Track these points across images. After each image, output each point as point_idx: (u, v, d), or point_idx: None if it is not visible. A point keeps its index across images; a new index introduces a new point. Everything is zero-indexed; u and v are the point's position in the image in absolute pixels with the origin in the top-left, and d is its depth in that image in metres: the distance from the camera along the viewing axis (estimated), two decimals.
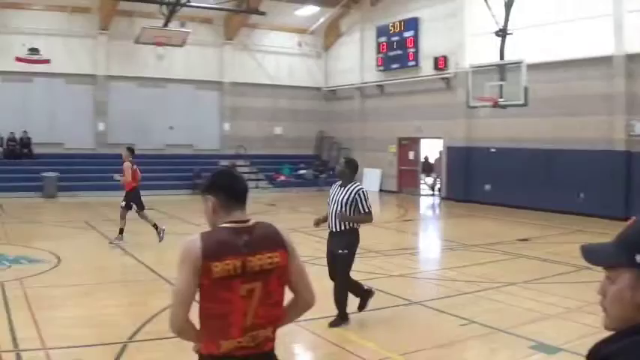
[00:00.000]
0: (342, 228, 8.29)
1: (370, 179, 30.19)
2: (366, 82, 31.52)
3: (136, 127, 30.45)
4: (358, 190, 8.36)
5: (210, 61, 32.63)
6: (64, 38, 29.27)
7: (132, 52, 29.85)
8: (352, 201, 8.31)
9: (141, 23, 28.48)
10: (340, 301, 8.33)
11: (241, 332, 3.14)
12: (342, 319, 8.35)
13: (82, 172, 26.09)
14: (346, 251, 8.26)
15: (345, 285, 8.37)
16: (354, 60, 32.38)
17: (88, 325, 7.62)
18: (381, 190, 29.72)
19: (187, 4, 25.89)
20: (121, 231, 14.83)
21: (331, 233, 8.38)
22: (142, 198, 15.67)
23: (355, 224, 8.39)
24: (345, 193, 8.36)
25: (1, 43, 28.88)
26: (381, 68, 30.40)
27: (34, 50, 27.80)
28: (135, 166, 15.51)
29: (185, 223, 18.78)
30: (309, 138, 33.95)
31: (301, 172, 29.38)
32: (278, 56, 33.60)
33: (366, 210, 8.33)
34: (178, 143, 31.94)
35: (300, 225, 15.03)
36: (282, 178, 30.04)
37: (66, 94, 29.66)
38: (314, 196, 26.31)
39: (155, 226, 15.02)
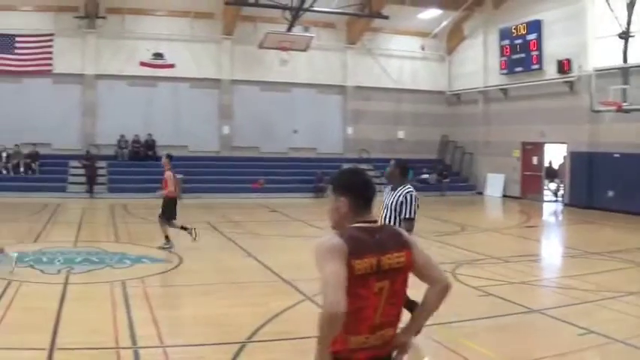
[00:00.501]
0: None
1: (493, 184, 30.14)
2: (489, 86, 30.92)
3: (260, 130, 31.08)
4: (406, 192, 7.89)
5: (333, 65, 32.63)
6: (188, 43, 30.36)
7: (256, 56, 30.60)
8: (399, 205, 7.89)
9: (264, 28, 29.15)
10: None
11: (370, 330, 3.25)
12: None
13: (206, 174, 26.49)
14: None
15: None
16: (478, 63, 31.77)
17: (207, 324, 7.55)
18: (504, 196, 29.46)
19: (310, 9, 26.12)
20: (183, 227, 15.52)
21: None
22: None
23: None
24: (394, 197, 7.96)
25: (126, 49, 30.11)
26: (505, 72, 29.71)
27: (158, 55, 28.54)
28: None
29: (308, 226, 19.06)
30: (432, 142, 33.57)
31: (424, 176, 28.81)
32: (401, 60, 33.46)
33: (407, 216, 7.78)
34: (302, 147, 32.12)
35: (421, 229, 14.66)
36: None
37: (190, 97, 30.55)
38: (436, 201, 26.28)
39: (184, 227, 15.60)
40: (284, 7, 25.09)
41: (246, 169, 28.82)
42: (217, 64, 30.50)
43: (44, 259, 12.65)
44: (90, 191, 26.89)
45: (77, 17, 28.93)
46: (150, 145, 28.89)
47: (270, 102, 31.31)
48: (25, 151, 27.90)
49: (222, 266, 12.56)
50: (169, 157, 15.32)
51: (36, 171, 26.85)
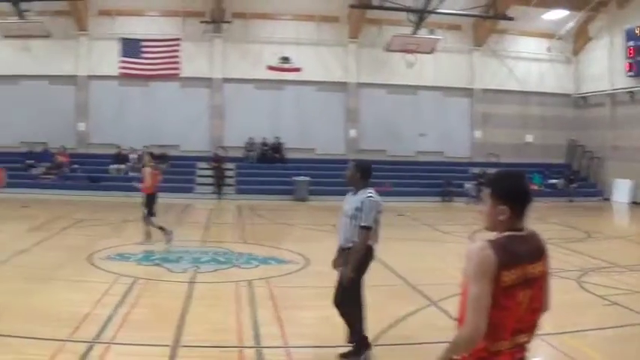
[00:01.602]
0: (353, 242, 7.11)
1: (621, 190, 29.08)
2: (616, 89, 29.63)
3: (387, 133, 30.97)
4: (365, 197, 7.16)
5: (460, 67, 32.01)
6: (314, 47, 30.58)
7: (382, 59, 30.56)
8: (355, 210, 7.17)
9: (389, 31, 29.10)
10: (353, 327, 7.32)
11: (510, 336, 3.32)
12: (359, 348, 7.28)
13: (332, 176, 26.63)
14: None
15: (351, 310, 7.27)
16: (603, 65, 30.53)
17: (330, 325, 7.43)
18: (633, 203, 28.24)
19: (435, 11, 25.84)
20: (161, 228, 15.43)
21: (339, 250, 7.28)
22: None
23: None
24: (353, 202, 7.26)
25: (253, 53, 31.08)
26: (631, 74, 28.20)
27: (285, 59, 29.13)
28: (155, 171, 16.04)
29: (434, 230, 19.17)
30: (558, 146, 32.70)
31: (553, 181, 27.92)
32: (527, 62, 32.75)
33: (363, 223, 7.01)
34: (429, 150, 31.72)
35: (548, 236, 13.94)
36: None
37: (317, 100, 30.86)
38: (564, 207, 26.10)
39: (162, 228, 15.26)
40: (409, 10, 25.00)
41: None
42: (343, 67, 30.67)
43: (171, 258, 13.07)
44: (218, 192, 27.49)
45: (203, 22, 29.86)
46: (277, 147, 29.58)
47: (397, 105, 31.18)
48: (154, 152, 28.11)
49: None
50: (151, 155, 16.21)
51: (164, 172, 27.86)
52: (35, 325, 8.11)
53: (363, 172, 7.26)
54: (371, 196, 6.99)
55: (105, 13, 28.96)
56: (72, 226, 17.63)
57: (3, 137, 30.28)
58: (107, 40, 30.32)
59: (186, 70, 30.39)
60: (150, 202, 15.35)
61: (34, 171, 28.21)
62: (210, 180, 28.07)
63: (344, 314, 7.05)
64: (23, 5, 26.43)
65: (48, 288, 10.69)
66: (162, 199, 24.20)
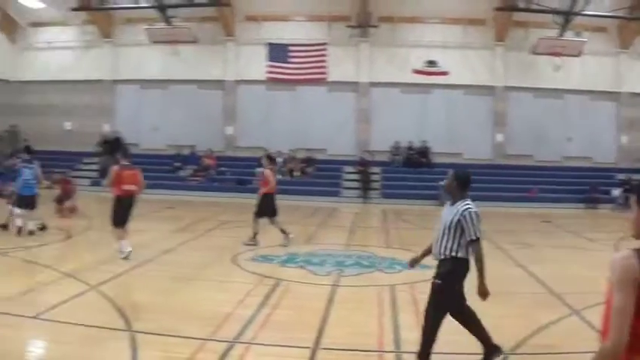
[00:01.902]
0: (445, 255, 6.99)
1: None
2: None
3: (534, 138, 32.51)
4: (464, 210, 6.90)
5: (606, 70, 32.96)
6: (461, 50, 32.52)
7: (528, 62, 32.13)
8: (457, 224, 6.92)
9: (536, 34, 30.72)
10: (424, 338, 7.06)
11: None
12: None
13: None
14: (439, 281, 7.00)
15: (430, 321, 7.05)
16: None
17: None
18: None
19: (581, 12, 27.81)
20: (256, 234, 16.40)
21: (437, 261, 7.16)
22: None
23: (460, 253, 6.99)
24: (452, 215, 7.02)
25: (399, 56, 33.01)
26: None
27: (431, 63, 30.76)
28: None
29: (579, 237, 19.54)
30: None
31: None
32: None
33: (472, 238, 6.84)
34: (576, 155, 33.06)
35: None
36: None
37: (464, 105, 32.51)
38: None
39: (283, 230, 16.38)
40: (555, 12, 24.90)
41: (518, 178, 28.20)
42: (490, 71, 32.66)
43: (315, 261, 13.94)
44: (363, 196, 29.62)
45: (349, 26, 32.28)
46: (423, 152, 31.98)
47: (543, 109, 32.67)
48: (300, 156, 28.87)
49: (491, 275, 12.14)
50: (269, 157, 17.20)
51: (310, 175, 27.92)
52: (179, 323, 8.85)
53: (461, 182, 7.11)
54: (470, 208, 6.89)
55: (251, 18, 31.75)
56: (217, 228, 19.23)
57: (152, 140, 35.27)
58: (254, 45, 33.75)
59: (332, 75, 32.78)
60: (268, 202, 16.36)
61: (181, 173, 29.47)
62: (356, 184, 30.39)
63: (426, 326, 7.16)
64: (170, 12, 27.44)
65: (192, 287, 11.63)
66: (309, 202, 24.63)
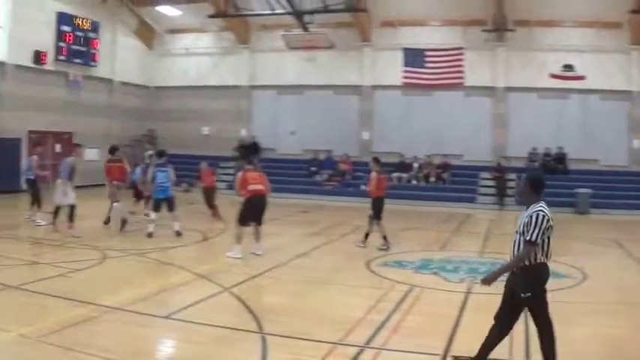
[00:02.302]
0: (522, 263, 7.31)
1: None
2: None
3: None
4: (535, 212, 7.06)
5: None
6: (595, 54, 33.34)
7: None
8: (524, 226, 7.11)
9: None
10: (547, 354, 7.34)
11: None
12: None
13: (615, 189, 25.96)
14: (529, 294, 7.03)
15: (499, 327, 7.32)
16: None
17: (596, 344, 7.56)
18: None
19: None
20: (367, 236, 17.22)
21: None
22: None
23: (533, 259, 7.06)
24: (522, 218, 7.28)
25: (535, 61, 34.05)
26: None
27: (568, 67, 36.02)
28: (381, 176, 17.64)
29: None
30: None
31: None
32: None
33: (527, 238, 6.99)
34: None
35: None
36: None
37: (599, 110, 33.35)
38: None
39: (368, 233, 17.27)
40: None
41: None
42: (626, 75, 33.27)
43: (449, 267, 14.71)
44: (499, 203, 30.98)
45: (485, 31, 34.50)
46: (560, 158, 33.70)
47: None
48: (436, 161, 34.59)
49: (624, 285, 12.34)
50: (376, 160, 17.71)
51: (446, 181, 28.04)
52: (310, 326, 9.61)
53: (534, 186, 7.38)
54: (540, 210, 7.12)
55: (388, 24, 34.26)
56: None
57: (289, 145, 38.02)
58: (390, 51, 36.15)
59: (469, 80, 35.14)
60: (376, 206, 17.12)
61: (317, 178, 30.24)
62: (492, 190, 32.09)
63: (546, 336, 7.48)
64: (306, 18, 28.20)
65: (324, 291, 12.57)
66: (444, 208, 24.85)
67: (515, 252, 7.19)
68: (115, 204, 20.09)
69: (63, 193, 18.44)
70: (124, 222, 19.37)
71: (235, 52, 39.48)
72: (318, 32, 34.26)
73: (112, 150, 21.12)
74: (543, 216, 6.98)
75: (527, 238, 6.94)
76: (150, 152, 23.10)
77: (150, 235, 18.41)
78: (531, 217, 7.04)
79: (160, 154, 19.70)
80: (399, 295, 11.78)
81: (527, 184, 7.36)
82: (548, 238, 7.09)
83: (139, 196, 22.81)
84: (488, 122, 34.51)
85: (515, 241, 7.26)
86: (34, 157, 21.86)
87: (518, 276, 7.15)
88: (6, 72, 30.87)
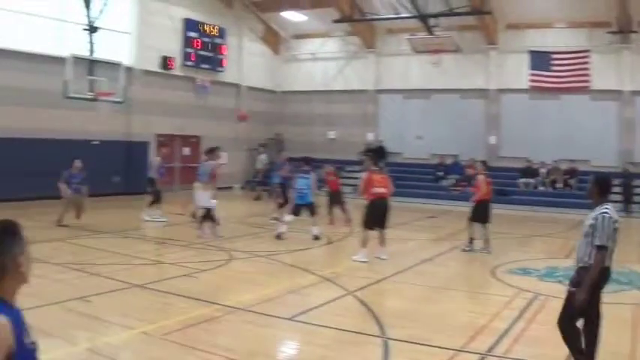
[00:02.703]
0: (583, 262, 7.14)
1: None
2: None
3: None
4: (600, 213, 7.02)
5: None
6: None
7: None
8: (589, 228, 7.10)
9: None
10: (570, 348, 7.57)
11: None
12: None
13: None
14: (573, 289, 7.24)
15: (568, 333, 7.35)
16: None
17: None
18: None
19: None
20: (471, 240, 17.35)
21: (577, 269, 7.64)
22: None
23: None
24: (587, 220, 7.25)
25: None
26: None
27: None
28: (488, 179, 17.78)
29: None
30: None
31: None
32: None
33: (597, 242, 6.94)
34: None
35: None
36: None
37: None
38: None
39: (472, 238, 17.30)
40: None
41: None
42: None
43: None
44: (625, 210, 29.48)
45: (610, 32, 33.27)
46: None
47: None
48: (563, 167, 33.76)
49: None
50: (484, 163, 18.34)
51: (573, 187, 27.26)
52: (431, 332, 9.57)
53: (601, 187, 7.37)
54: (606, 212, 7.10)
55: (513, 26, 33.73)
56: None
57: (415, 149, 37.80)
58: (517, 54, 35.85)
59: (595, 83, 34.09)
60: (482, 209, 17.14)
61: (444, 182, 29.92)
62: (618, 197, 29.62)
63: (564, 336, 7.56)
64: (431, 21, 28.01)
65: (447, 297, 12.56)
66: (571, 215, 24.25)
67: (580, 254, 7.16)
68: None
69: (202, 196, 18.86)
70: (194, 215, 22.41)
71: (361, 57, 39.83)
72: (444, 35, 34.16)
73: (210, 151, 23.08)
74: (609, 218, 6.96)
75: (597, 243, 6.89)
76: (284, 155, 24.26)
77: (279, 236, 18.73)
78: (597, 219, 7.01)
79: (307, 161, 20.14)
80: (523, 303, 11.65)
81: (594, 185, 7.31)
82: (613, 241, 7.00)
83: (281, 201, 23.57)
84: (615, 127, 33.56)
85: (579, 242, 7.24)
86: (157, 158, 23.79)
87: (579, 270, 7.12)
88: (134, 77, 32.07)
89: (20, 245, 3.29)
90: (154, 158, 24.25)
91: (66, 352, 8.63)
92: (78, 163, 20.40)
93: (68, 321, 10.11)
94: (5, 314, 3.12)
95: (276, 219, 22.06)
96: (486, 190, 17.30)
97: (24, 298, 3.26)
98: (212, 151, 20.32)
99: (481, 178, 17.37)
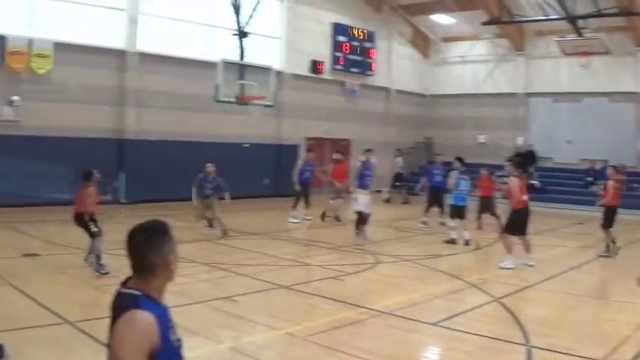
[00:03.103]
0: None
1: None
2: None
3: None
4: None
5: None
6: None
7: None
8: None
9: None
10: None
11: None
12: None
13: None
14: None
15: None
16: None
17: None
18: None
19: None
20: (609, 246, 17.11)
21: None
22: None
23: None
24: None
25: None
26: None
27: None
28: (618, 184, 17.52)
29: None
30: None
31: None
32: None
33: None
34: None
35: None
36: None
37: None
38: None
39: (613, 241, 17.04)
40: None
41: None
42: None
43: None
44: None
45: None
46: None
47: None
48: None
49: None
50: (614, 168, 18.21)
51: None
52: (575, 341, 9.34)
53: None
54: None
55: None
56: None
57: (565, 154, 36.62)
58: None
59: None
60: (609, 214, 16.90)
61: (593, 188, 29.13)
62: None
63: None
64: (580, 22, 27.19)
65: (592, 306, 12.33)
66: None
67: None
68: (332, 201, 23.56)
69: (363, 200, 18.81)
70: (337, 218, 22.93)
71: (510, 60, 39.29)
72: (593, 37, 33.21)
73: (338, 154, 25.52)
74: None
75: None
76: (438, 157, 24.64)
77: (452, 241, 18.66)
78: None
79: (461, 161, 20.06)
80: None
81: None
82: None
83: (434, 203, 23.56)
84: None
85: None
86: (301, 161, 24.66)
87: None
88: (284, 81, 32.69)
89: (170, 244, 3.45)
90: (302, 160, 24.45)
91: (210, 350, 8.94)
92: (211, 167, 19.47)
93: (214, 320, 10.51)
94: (152, 311, 3.27)
95: (424, 223, 22.41)
96: (613, 195, 16.73)
97: (171, 296, 3.41)
98: (365, 153, 20.82)
99: (610, 183, 16.99)
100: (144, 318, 3.19)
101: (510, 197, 15.54)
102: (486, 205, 22.44)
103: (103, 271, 13.30)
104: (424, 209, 23.58)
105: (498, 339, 9.50)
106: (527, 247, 15.93)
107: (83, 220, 14.14)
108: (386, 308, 11.13)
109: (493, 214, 22.21)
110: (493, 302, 11.91)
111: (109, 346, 3.32)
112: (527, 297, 13.04)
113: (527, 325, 10.26)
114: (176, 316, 3.45)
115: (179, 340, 3.47)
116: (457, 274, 14.51)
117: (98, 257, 13.70)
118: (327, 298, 11.82)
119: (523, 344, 9.24)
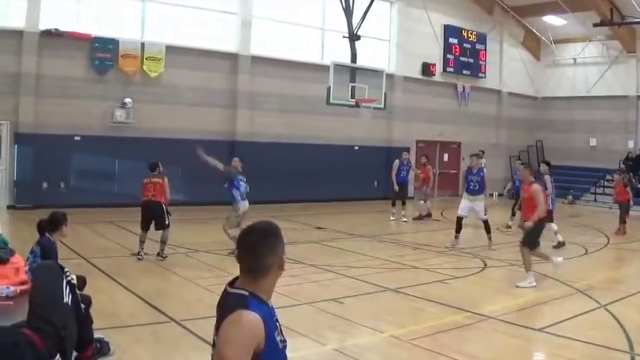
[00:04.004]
0: None
1: None
2: None
3: None
4: None
5: None
6: None
7: None
8: None
9: None
10: None
11: None
12: None
13: None
14: None
15: None
16: None
17: None
18: None
19: None
20: None
21: None
22: None
23: None
24: None
25: None
26: None
27: None
28: None
29: None
30: None
31: None
32: None
33: None
34: None
35: None
36: None
37: None
38: None
39: None
40: None
41: None
42: None
43: None
44: None
45: None
46: None
47: None
48: None
49: None
50: None
51: None
52: None
53: None
54: None
55: None
56: None
57: None
58: None
59: None
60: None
61: None
62: None
63: None
64: None
65: None
66: None
67: None
68: (421, 202, 25.30)
69: (460, 205, 18.76)
70: (420, 216, 24.43)
71: (622, 62, 38.35)
72: None
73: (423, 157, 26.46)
74: None
75: None
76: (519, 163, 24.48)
77: (562, 244, 18.36)
78: None
79: (548, 164, 19.76)
80: None
81: None
82: None
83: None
84: None
85: None
86: (396, 161, 24.75)
87: None
88: (395, 84, 33.12)
89: (282, 245, 3.53)
90: (399, 160, 24.41)
91: (314, 351, 9.06)
92: (237, 162, 16.13)
93: (319, 321, 10.57)
94: (259, 312, 3.33)
95: (508, 227, 22.61)
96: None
97: (279, 297, 3.47)
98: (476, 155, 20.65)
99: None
100: (251, 318, 3.25)
101: (537, 206, 13.61)
102: (624, 209, 22.57)
103: (164, 255, 14.86)
104: (511, 214, 23.18)
105: (603, 346, 9.30)
106: (530, 266, 13.87)
107: (161, 210, 14.62)
108: (492, 313, 11.10)
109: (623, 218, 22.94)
110: (600, 309, 11.65)
111: (214, 345, 3.44)
112: (636, 304, 12.52)
113: (633, 332, 10.04)
114: (282, 316, 3.53)
115: (284, 340, 3.50)
116: (564, 279, 14.21)
117: (164, 243, 15.04)
118: (433, 301, 11.77)
119: (627, 352, 9.05)
